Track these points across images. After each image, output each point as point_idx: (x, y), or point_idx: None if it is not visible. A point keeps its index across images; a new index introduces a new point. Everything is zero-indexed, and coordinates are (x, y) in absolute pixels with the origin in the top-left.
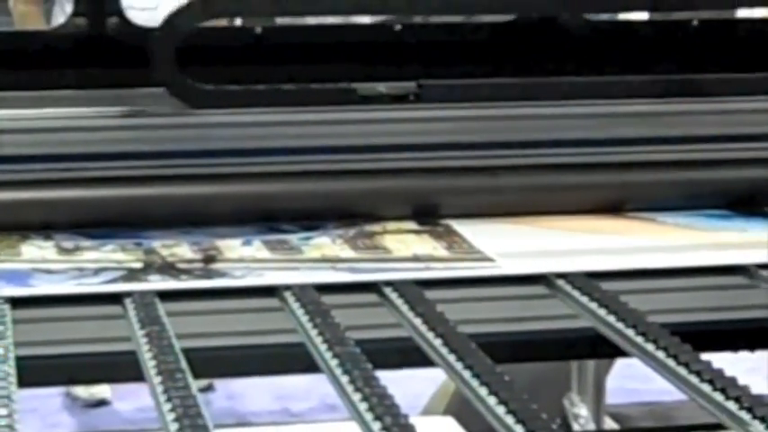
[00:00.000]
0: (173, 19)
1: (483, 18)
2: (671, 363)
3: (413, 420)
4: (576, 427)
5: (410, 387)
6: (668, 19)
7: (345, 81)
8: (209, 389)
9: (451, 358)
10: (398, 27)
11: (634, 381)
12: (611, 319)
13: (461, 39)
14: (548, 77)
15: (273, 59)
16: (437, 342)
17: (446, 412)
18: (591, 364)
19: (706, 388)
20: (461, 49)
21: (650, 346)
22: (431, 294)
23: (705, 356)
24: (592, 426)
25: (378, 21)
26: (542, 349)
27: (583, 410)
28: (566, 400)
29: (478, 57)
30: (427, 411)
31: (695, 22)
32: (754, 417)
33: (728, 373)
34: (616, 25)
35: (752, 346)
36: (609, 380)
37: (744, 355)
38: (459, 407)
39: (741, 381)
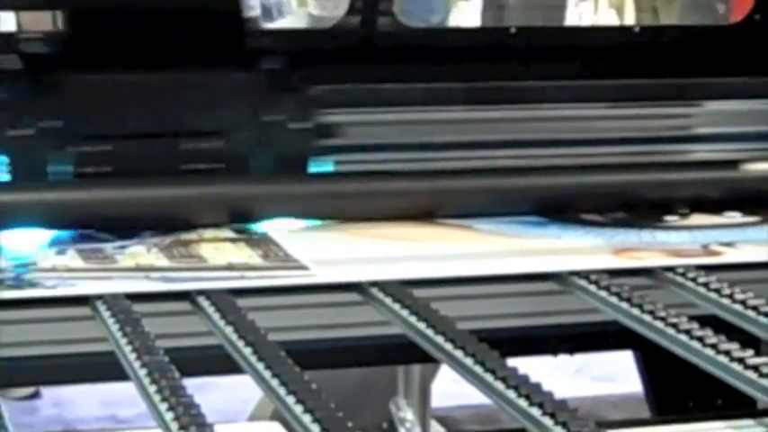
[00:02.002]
0: None
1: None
2: (478, 369)
3: (240, 426)
4: (402, 431)
5: (238, 392)
6: (484, 26)
7: None
8: (35, 396)
9: (260, 366)
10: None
11: (461, 383)
12: (422, 326)
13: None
14: (360, 84)
15: None
16: (247, 350)
17: (273, 417)
18: (417, 368)
19: (511, 394)
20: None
21: (459, 353)
22: (244, 303)
23: (528, 360)
24: (418, 430)
25: None
26: (355, 356)
27: (409, 414)
28: (392, 405)
29: (295, 63)
30: (254, 417)
31: (513, 30)
32: (557, 422)
33: (554, 375)
34: (427, 32)
35: (570, 349)
36: (437, 383)
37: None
38: None
39: (567, 382)
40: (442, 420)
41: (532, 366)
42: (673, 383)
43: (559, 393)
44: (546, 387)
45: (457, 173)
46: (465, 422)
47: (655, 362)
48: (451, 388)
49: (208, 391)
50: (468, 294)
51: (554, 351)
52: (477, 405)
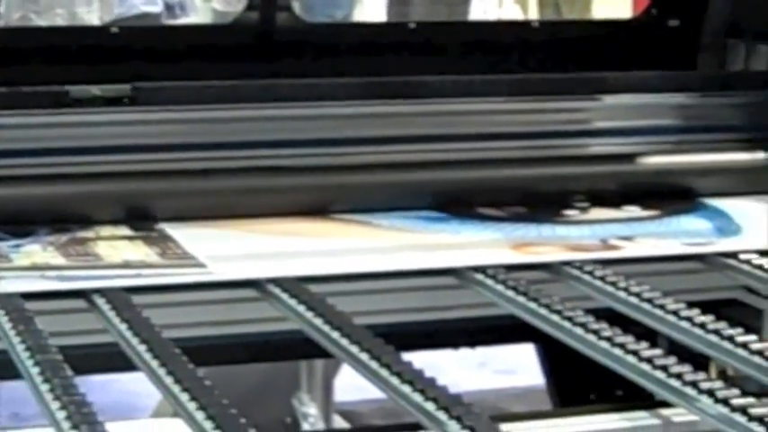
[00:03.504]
0: None
1: (199, 21)
2: (374, 364)
3: (144, 422)
4: (305, 426)
5: (143, 388)
6: (382, 21)
7: (58, 83)
8: None
9: (154, 364)
10: (114, 30)
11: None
12: (319, 321)
13: (176, 41)
14: (259, 80)
15: None
16: (141, 348)
17: (176, 414)
18: (320, 363)
19: (406, 389)
20: (176, 51)
21: (354, 348)
22: (141, 300)
23: (430, 353)
24: (321, 425)
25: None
26: (252, 352)
27: (312, 409)
28: (295, 400)
29: (193, 59)
30: (157, 413)
31: (412, 25)
32: (451, 416)
33: (458, 368)
34: (328, 28)
35: (470, 343)
36: (340, 377)
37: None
38: None
39: (471, 375)
40: (346, 415)
41: (437, 360)
42: (573, 375)
43: (463, 386)
44: (449, 380)
45: (356, 168)
46: (368, 416)
47: (555, 354)
48: (355, 382)
49: (112, 388)
50: (366, 290)
51: (454, 345)
52: (381, 399)
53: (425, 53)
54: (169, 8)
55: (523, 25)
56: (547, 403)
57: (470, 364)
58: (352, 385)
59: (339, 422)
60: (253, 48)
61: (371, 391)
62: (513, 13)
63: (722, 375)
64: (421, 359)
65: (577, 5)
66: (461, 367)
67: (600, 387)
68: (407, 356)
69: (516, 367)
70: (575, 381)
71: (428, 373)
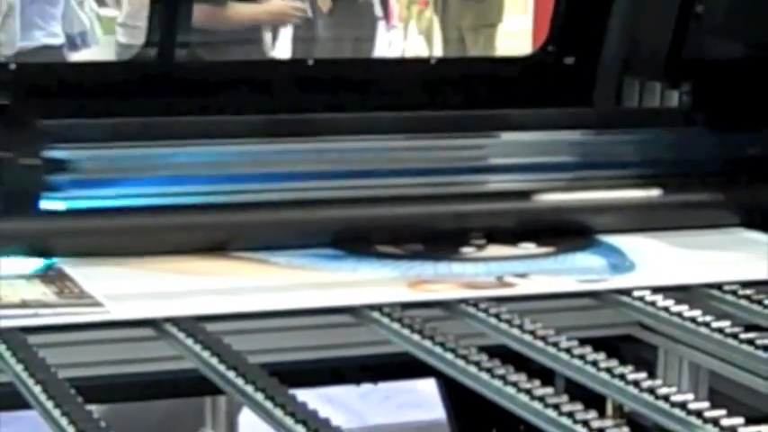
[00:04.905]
0: None
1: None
2: (268, 404)
3: None
4: None
5: (43, 425)
6: (281, 58)
7: None
8: None
9: (49, 405)
10: (12, 66)
11: None
12: (214, 360)
13: (74, 78)
14: (156, 117)
15: None
16: (37, 389)
17: None
18: (224, 399)
19: (300, 429)
20: (74, 88)
21: (249, 388)
22: (37, 340)
23: (334, 387)
24: None
25: None
26: (149, 390)
27: None
28: None
29: (91, 96)
30: None
31: (310, 62)
32: None
33: (362, 402)
34: (226, 65)
35: (370, 379)
36: (246, 412)
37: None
38: None
39: (375, 409)
40: None
41: (341, 394)
42: (475, 410)
43: (368, 420)
44: (354, 414)
45: (253, 205)
46: None
47: (456, 389)
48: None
49: (10, 424)
50: (263, 328)
51: (356, 381)
52: None
53: (324, 90)
54: (70, 40)
55: (420, 62)
56: None
57: (375, 397)
58: (256, 421)
59: None
60: (150, 84)
61: None
62: (418, 46)
63: (619, 412)
64: (325, 393)
65: (481, 39)
66: (366, 401)
67: (501, 422)
68: (309, 391)
69: (422, 401)
70: (476, 416)
71: (332, 407)
